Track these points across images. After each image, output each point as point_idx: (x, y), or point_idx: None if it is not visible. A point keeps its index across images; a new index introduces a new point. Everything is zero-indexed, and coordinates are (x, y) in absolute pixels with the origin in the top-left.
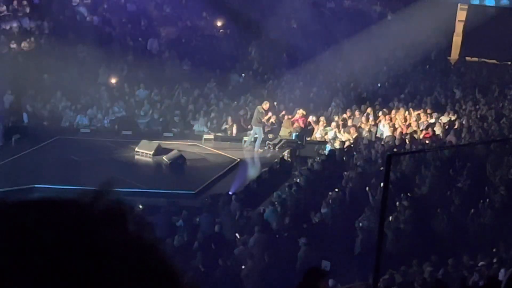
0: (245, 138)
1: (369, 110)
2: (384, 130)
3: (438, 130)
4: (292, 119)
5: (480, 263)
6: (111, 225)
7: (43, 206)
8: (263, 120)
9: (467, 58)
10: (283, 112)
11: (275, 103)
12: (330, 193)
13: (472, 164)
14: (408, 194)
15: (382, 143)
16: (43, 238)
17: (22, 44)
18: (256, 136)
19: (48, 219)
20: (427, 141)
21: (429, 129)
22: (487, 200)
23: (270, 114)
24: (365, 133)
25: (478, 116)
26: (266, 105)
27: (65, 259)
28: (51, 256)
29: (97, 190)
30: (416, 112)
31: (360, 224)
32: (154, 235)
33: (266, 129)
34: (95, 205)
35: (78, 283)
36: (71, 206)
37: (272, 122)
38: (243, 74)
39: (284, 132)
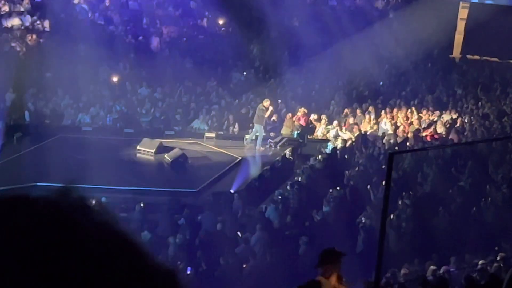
0: (247, 136)
1: (370, 108)
2: (386, 128)
3: (440, 128)
4: (293, 118)
5: (482, 262)
6: (76, 216)
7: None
8: (265, 116)
9: (469, 56)
10: (284, 110)
11: (279, 101)
12: (330, 191)
13: (474, 162)
14: (410, 192)
15: (384, 141)
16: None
17: (24, 42)
18: (257, 134)
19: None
20: (428, 140)
21: (431, 127)
22: (489, 198)
23: (271, 109)
24: (367, 131)
25: (480, 114)
26: (266, 102)
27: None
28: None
29: (62, 187)
30: (418, 110)
31: (362, 222)
32: (118, 224)
33: (268, 127)
34: (61, 200)
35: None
36: (40, 201)
37: (273, 119)
38: (244, 73)
39: (286, 131)
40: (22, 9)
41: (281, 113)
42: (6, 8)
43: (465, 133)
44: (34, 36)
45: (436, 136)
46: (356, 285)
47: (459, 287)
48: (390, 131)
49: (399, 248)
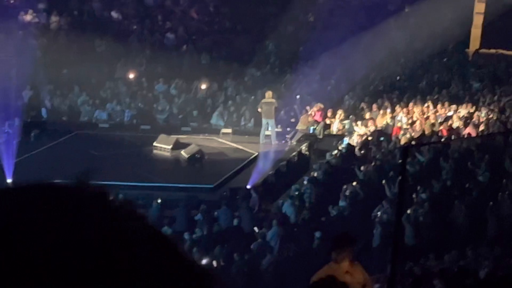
0: (261, 134)
1: (386, 103)
2: (402, 122)
3: (456, 122)
4: (309, 114)
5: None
6: (97, 205)
7: (29, 190)
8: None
9: (485, 50)
10: (299, 106)
11: (298, 96)
12: (344, 186)
13: (491, 156)
14: (426, 187)
15: (400, 136)
16: (32, 220)
17: (41, 39)
18: (270, 129)
19: (36, 203)
20: (445, 134)
21: (447, 122)
22: (506, 192)
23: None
24: (383, 126)
25: (497, 108)
26: (269, 94)
27: (57, 240)
28: (41, 238)
29: (80, 178)
30: (434, 105)
31: (378, 215)
32: (139, 212)
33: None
34: (80, 189)
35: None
36: (59, 189)
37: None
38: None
39: (301, 127)
40: (39, 6)
41: (296, 109)
42: (23, 6)
43: (481, 127)
44: (51, 34)
45: (452, 130)
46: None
47: (477, 280)
48: (406, 126)
49: (416, 242)
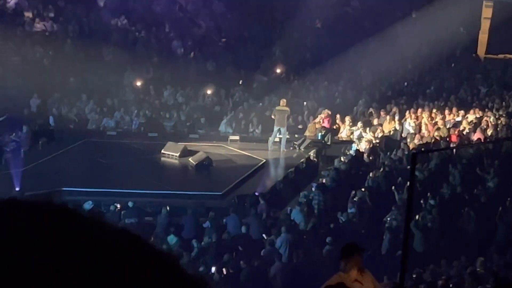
0: (270, 139)
1: (394, 109)
2: (410, 128)
3: (464, 128)
4: (317, 120)
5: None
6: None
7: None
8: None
9: (493, 56)
10: (307, 112)
11: (305, 103)
12: (353, 192)
13: (500, 161)
14: (435, 193)
15: (408, 142)
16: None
17: (48, 48)
18: (280, 136)
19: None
20: (453, 140)
21: (456, 127)
22: None
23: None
24: (391, 132)
25: (505, 114)
26: (283, 102)
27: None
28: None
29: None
30: (442, 110)
31: (388, 223)
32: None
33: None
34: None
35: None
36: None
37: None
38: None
39: (309, 133)
40: (46, 15)
41: (304, 115)
42: (29, 14)
43: (490, 133)
44: (58, 42)
45: (461, 136)
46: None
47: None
48: (413, 131)
49: (425, 249)
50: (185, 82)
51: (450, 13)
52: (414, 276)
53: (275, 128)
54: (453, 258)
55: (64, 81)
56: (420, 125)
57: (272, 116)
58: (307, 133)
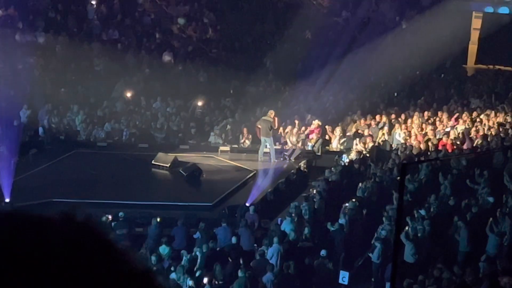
0: (260, 152)
1: (384, 119)
2: (400, 139)
3: (454, 138)
4: (307, 131)
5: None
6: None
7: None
8: (272, 128)
9: (483, 66)
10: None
11: (296, 120)
12: (345, 204)
13: (490, 172)
14: (426, 203)
15: (398, 152)
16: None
17: (38, 59)
18: (268, 147)
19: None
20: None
21: (446, 138)
22: (506, 208)
23: (277, 120)
24: (381, 143)
25: (495, 124)
26: (271, 113)
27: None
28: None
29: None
30: (432, 121)
31: (378, 233)
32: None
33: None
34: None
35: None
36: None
37: (281, 132)
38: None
39: (298, 144)
40: (36, 26)
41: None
42: (20, 25)
43: (480, 143)
44: (49, 53)
45: (451, 146)
46: None
47: None
48: (403, 142)
49: (416, 259)
50: (176, 93)
51: (440, 24)
52: (404, 286)
53: (262, 139)
54: (443, 269)
55: (55, 92)
56: (410, 136)
57: (258, 126)
58: (297, 144)
